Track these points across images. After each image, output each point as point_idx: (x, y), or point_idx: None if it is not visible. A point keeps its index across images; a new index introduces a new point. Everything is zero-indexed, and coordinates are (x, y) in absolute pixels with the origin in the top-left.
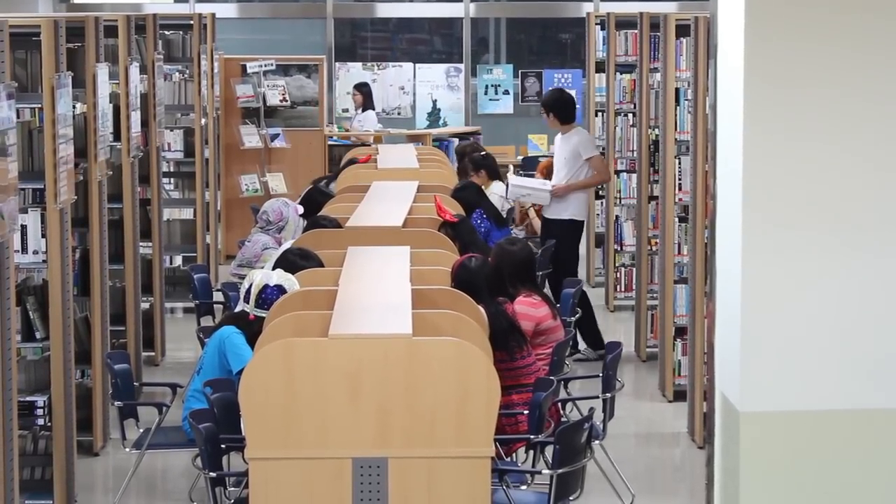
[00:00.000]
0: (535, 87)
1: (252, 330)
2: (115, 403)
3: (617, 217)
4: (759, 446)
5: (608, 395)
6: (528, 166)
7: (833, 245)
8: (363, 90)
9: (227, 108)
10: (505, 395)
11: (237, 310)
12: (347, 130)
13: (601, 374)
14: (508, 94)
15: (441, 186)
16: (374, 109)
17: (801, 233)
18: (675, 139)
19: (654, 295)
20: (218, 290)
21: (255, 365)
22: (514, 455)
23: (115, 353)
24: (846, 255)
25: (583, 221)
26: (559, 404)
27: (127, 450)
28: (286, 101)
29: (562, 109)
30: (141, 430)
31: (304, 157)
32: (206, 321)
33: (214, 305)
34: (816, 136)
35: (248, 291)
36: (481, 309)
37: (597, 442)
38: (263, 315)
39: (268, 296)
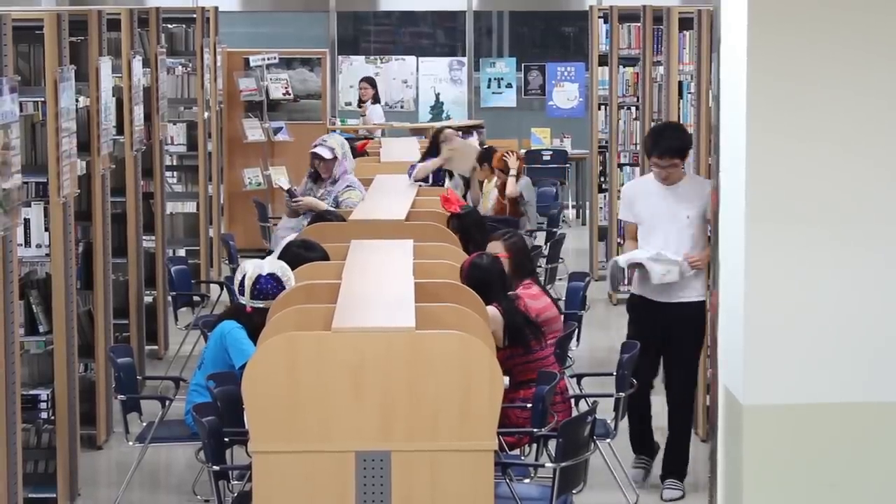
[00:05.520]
0: (538, 81)
1: (253, 322)
2: (119, 397)
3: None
4: (762, 439)
5: (622, 394)
6: (531, 160)
7: (837, 238)
8: (372, 82)
9: (229, 102)
10: (526, 388)
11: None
12: (364, 121)
13: (615, 374)
14: (511, 87)
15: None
16: (380, 103)
17: (805, 226)
18: None
19: None
20: (216, 283)
21: (258, 358)
22: (524, 448)
23: (118, 346)
24: (850, 248)
25: None
26: (571, 401)
27: (130, 443)
28: (289, 94)
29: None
30: (144, 424)
31: (307, 150)
32: (184, 313)
33: (193, 297)
34: (820, 129)
35: (242, 285)
36: (488, 305)
37: (608, 440)
38: (261, 306)
39: (262, 286)
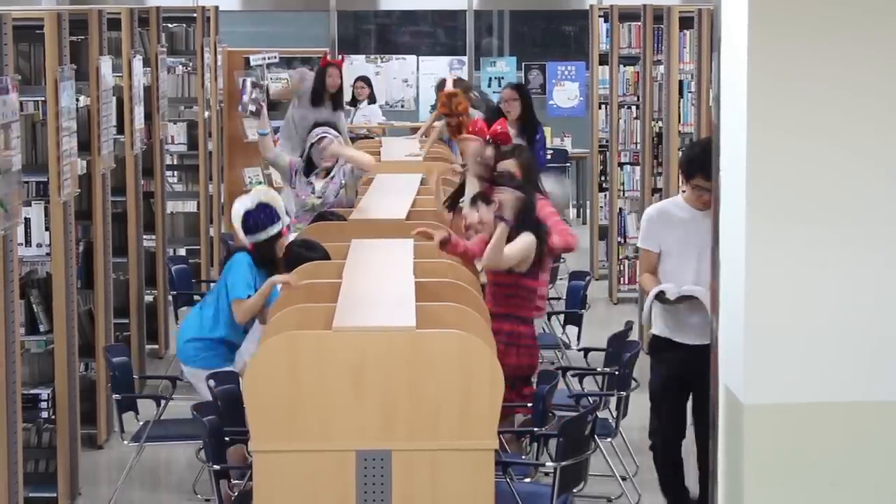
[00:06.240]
0: (538, 80)
1: (262, 255)
2: (114, 396)
3: (620, 210)
4: (762, 438)
5: (623, 393)
6: None
7: (837, 237)
8: (368, 81)
9: (230, 101)
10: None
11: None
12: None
13: (617, 372)
14: None
15: (445, 179)
16: (375, 102)
17: (805, 225)
18: (679, 131)
19: None
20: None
21: (259, 357)
22: (525, 445)
23: (114, 345)
24: (850, 246)
25: None
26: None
27: (125, 442)
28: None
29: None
30: (141, 423)
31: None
32: (185, 312)
33: (193, 297)
34: (820, 128)
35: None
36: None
37: (609, 440)
38: (263, 238)
39: (255, 218)
